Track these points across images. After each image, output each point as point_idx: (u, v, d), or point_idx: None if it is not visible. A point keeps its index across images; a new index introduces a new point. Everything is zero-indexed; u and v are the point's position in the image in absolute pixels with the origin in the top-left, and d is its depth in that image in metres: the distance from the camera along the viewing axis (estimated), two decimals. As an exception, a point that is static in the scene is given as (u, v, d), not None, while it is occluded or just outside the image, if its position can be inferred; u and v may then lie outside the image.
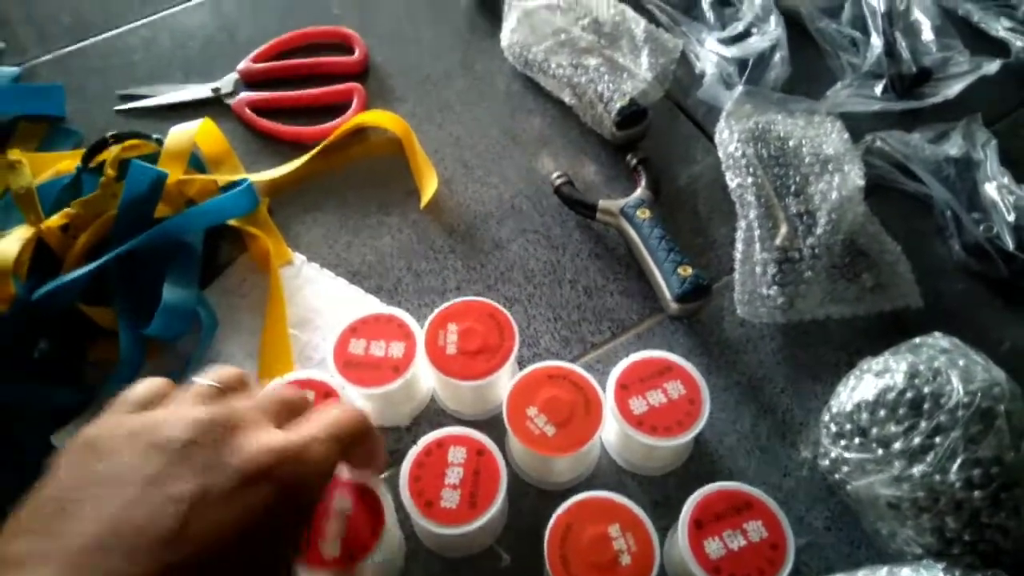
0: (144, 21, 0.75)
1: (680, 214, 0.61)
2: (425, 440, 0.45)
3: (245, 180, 0.59)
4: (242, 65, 0.69)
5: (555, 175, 0.60)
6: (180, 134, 0.59)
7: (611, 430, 0.49)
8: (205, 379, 0.35)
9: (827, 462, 0.47)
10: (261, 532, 0.30)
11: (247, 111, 0.66)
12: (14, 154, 0.56)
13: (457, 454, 0.44)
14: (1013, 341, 0.54)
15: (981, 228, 0.57)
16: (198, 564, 0.28)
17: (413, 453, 0.44)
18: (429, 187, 0.61)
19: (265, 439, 0.32)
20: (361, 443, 0.36)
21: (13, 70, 0.71)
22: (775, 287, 0.53)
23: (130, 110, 0.68)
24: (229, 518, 0.29)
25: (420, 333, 0.49)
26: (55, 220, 0.55)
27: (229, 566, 0.29)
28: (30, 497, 0.30)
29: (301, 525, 0.33)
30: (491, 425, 0.51)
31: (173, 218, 0.55)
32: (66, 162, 0.61)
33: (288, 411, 0.35)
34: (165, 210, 0.57)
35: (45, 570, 0.27)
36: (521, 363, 0.54)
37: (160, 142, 0.60)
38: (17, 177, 0.56)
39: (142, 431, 0.31)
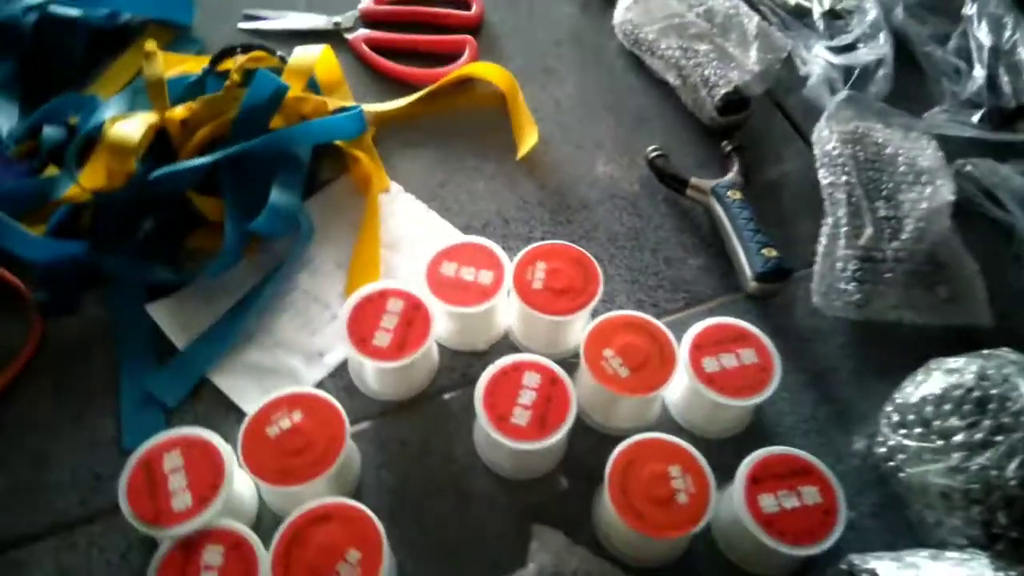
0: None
1: (765, 206, 0.62)
2: (503, 362, 0.47)
3: (357, 107, 0.61)
4: (364, 3, 0.72)
5: (651, 148, 0.62)
6: (304, 55, 0.62)
7: (678, 388, 0.51)
8: None
9: (884, 449, 0.48)
10: None
11: (363, 47, 0.69)
12: (150, 45, 0.60)
13: (532, 379, 0.46)
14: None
15: (1062, 262, 0.57)
16: None
17: (490, 372, 0.46)
18: (528, 140, 0.63)
19: None
20: None
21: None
22: (854, 283, 0.54)
23: (252, 30, 0.71)
24: None
25: (510, 266, 0.51)
26: (179, 112, 0.58)
27: None
28: None
29: None
30: (565, 365, 0.53)
31: (288, 128, 0.58)
32: (190, 63, 0.65)
33: None
34: (278, 122, 0.60)
35: None
36: (595, 316, 0.56)
37: (284, 60, 0.63)
38: (151, 65, 0.59)
39: None
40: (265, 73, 0.59)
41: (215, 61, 0.62)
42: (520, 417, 0.44)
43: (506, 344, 0.54)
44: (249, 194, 0.56)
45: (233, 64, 0.62)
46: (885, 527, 0.48)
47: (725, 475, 0.48)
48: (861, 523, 0.48)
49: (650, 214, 0.61)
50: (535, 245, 0.52)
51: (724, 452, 0.50)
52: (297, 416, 0.44)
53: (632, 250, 0.59)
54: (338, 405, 0.45)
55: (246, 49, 0.63)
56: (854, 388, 0.53)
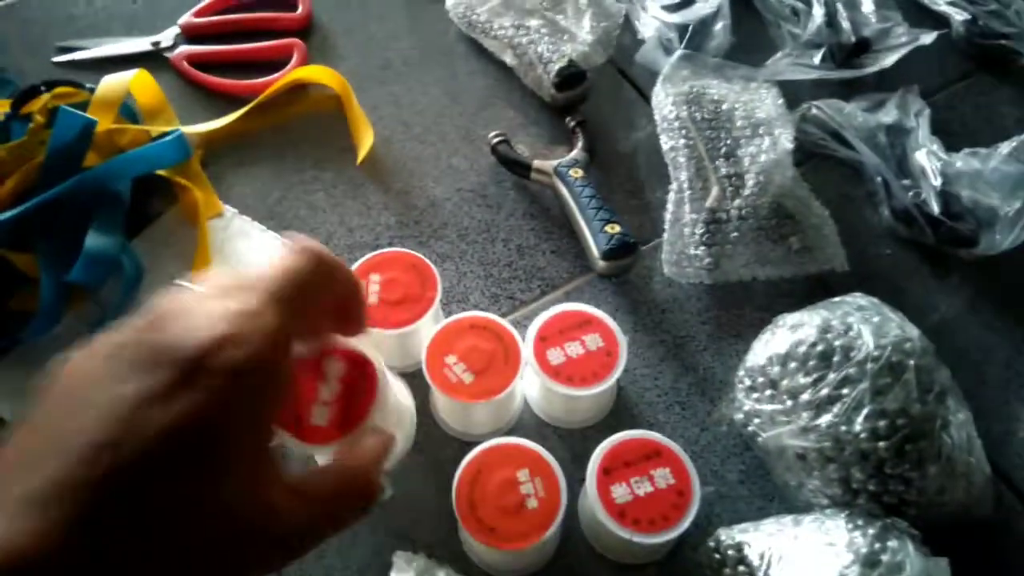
0: (87, -26, 0.74)
1: (617, 177, 0.61)
2: None
3: (176, 131, 0.58)
4: (183, 19, 0.68)
5: (493, 134, 0.60)
6: (112, 83, 0.58)
7: (532, 383, 0.49)
8: None
9: (741, 415, 0.47)
10: (213, 427, 0.26)
11: (185, 64, 0.65)
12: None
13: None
14: (935, 304, 0.55)
15: (910, 194, 0.57)
16: (145, 466, 0.25)
17: None
18: (365, 143, 0.61)
19: (197, 325, 0.27)
20: (319, 291, 0.30)
21: (-52, 19, 0.69)
22: (702, 247, 0.53)
23: (68, 62, 0.67)
24: (170, 418, 0.26)
25: (342, 283, 0.49)
26: (-21, 165, 0.54)
27: (184, 465, 0.26)
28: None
29: (263, 410, 0.28)
30: (417, 377, 0.51)
31: (100, 166, 0.55)
32: (-2, 110, 0.60)
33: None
34: (95, 159, 0.56)
35: None
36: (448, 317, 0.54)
37: (93, 91, 0.59)
38: (-59, 120, 0.54)
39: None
40: (67, 110, 0.55)
41: (17, 104, 0.58)
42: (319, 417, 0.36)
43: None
44: (66, 243, 0.53)
45: (38, 104, 0.58)
46: (755, 493, 0.48)
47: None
48: (731, 492, 0.48)
49: (499, 203, 0.59)
50: (367, 257, 0.50)
51: (588, 439, 0.49)
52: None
53: (484, 243, 0.57)
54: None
55: (50, 86, 0.59)
56: (713, 354, 0.53)
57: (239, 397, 0.27)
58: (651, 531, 0.40)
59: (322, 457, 0.39)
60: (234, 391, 0.27)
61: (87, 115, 0.55)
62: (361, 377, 0.34)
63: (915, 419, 0.42)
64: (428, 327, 0.49)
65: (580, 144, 0.60)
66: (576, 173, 0.57)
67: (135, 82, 0.61)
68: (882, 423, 0.42)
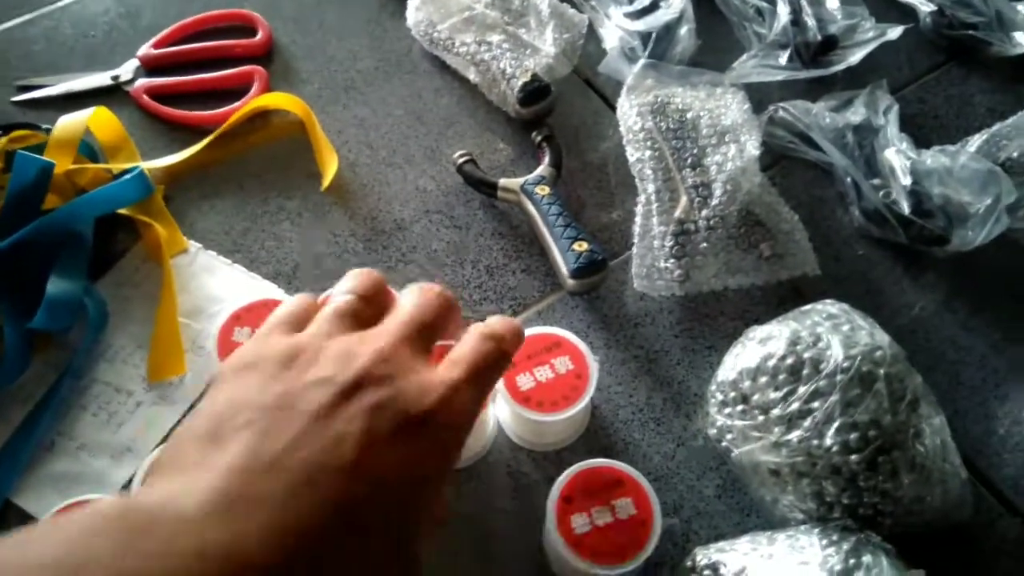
0: (46, 10, 0.73)
1: (587, 189, 0.61)
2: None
3: (137, 167, 0.57)
4: (142, 51, 0.68)
5: (458, 154, 0.60)
6: (68, 123, 0.58)
7: (503, 408, 0.49)
8: (344, 291, 0.35)
9: (714, 430, 0.47)
10: (415, 478, 0.30)
11: (145, 97, 0.65)
12: None
13: None
14: (910, 303, 0.55)
15: (880, 194, 0.57)
16: (361, 504, 0.28)
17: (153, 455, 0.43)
18: (330, 169, 0.60)
19: (419, 383, 0.31)
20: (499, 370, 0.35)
21: (-94, 62, 0.69)
22: (672, 260, 0.53)
23: (27, 101, 0.66)
24: (391, 462, 0.29)
25: (307, 317, 0.48)
26: (-62, 214, 0.53)
27: (385, 510, 0.29)
28: (181, 428, 0.30)
29: (448, 472, 0.32)
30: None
31: (59, 208, 0.54)
32: (-44, 155, 0.60)
33: (429, 335, 0.35)
34: (56, 201, 0.56)
35: (202, 485, 0.26)
36: (421, 344, 0.53)
37: (50, 132, 0.58)
38: None
39: (294, 361, 0.31)
40: (24, 154, 0.54)
41: (-27, 149, 0.57)
42: None
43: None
44: (29, 288, 0.52)
45: (-6, 149, 0.57)
46: (732, 507, 0.47)
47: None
48: (708, 507, 0.47)
49: (468, 223, 0.59)
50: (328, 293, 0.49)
51: (562, 460, 0.49)
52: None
53: (453, 265, 0.57)
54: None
55: (6, 130, 0.58)
56: (686, 367, 0.52)
57: (439, 456, 0.31)
58: (609, 563, 0.40)
59: None
60: (438, 450, 0.31)
61: (44, 157, 0.55)
62: None
63: (887, 430, 0.41)
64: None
65: (547, 160, 0.59)
66: (543, 190, 0.56)
67: (94, 119, 0.60)
68: (853, 436, 0.41)
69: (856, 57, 0.64)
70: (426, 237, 0.58)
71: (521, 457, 0.49)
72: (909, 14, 0.70)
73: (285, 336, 0.33)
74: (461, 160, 0.59)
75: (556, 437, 0.48)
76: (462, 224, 0.59)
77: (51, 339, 0.53)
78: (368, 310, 0.35)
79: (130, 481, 0.48)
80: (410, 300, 0.35)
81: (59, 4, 0.74)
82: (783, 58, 0.65)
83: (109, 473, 0.48)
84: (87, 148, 0.60)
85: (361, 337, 0.33)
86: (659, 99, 0.59)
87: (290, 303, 0.36)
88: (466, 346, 0.34)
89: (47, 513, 0.43)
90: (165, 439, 0.49)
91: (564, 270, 0.53)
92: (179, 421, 0.50)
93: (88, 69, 0.68)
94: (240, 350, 0.33)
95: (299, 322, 0.34)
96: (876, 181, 0.57)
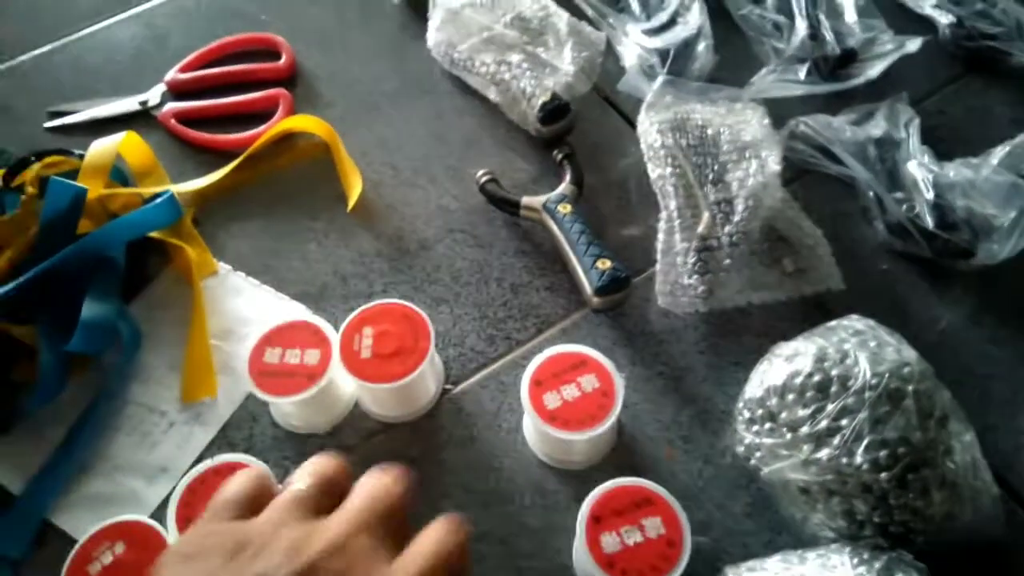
0: (74, 37, 0.75)
1: (608, 206, 0.61)
2: (207, 465, 0.45)
3: (167, 191, 0.58)
4: (169, 76, 0.69)
5: (480, 173, 0.60)
6: (100, 149, 0.59)
7: (528, 426, 0.49)
8: (302, 480, 0.33)
9: (742, 448, 0.47)
10: None
11: (172, 122, 0.66)
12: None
13: None
14: (936, 318, 0.55)
15: (903, 208, 0.57)
16: None
17: (191, 476, 0.44)
18: (354, 190, 0.61)
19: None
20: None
21: (-60, 91, 0.70)
22: (695, 276, 0.53)
23: (59, 127, 0.68)
24: None
25: (336, 339, 0.49)
26: (-25, 240, 0.55)
27: None
28: None
29: None
30: (417, 427, 0.51)
31: (93, 233, 0.55)
32: (-9, 181, 0.61)
33: (389, 521, 0.32)
34: (88, 225, 0.57)
35: None
36: (447, 363, 0.54)
37: (83, 157, 0.60)
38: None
39: (240, 553, 0.29)
40: (58, 180, 0.55)
41: (8, 176, 0.59)
42: None
43: (358, 414, 0.52)
44: (64, 312, 0.53)
45: (29, 175, 0.58)
46: (762, 526, 0.47)
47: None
48: (738, 526, 0.47)
49: (491, 242, 0.59)
50: (360, 310, 0.50)
51: (591, 479, 0.49)
52: (120, 548, 0.42)
53: (477, 284, 0.57)
54: (162, 531, 0.43)
55: (40, 156, 0.59)
56: (713, 384, 0.52)
57: None
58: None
59: None
60: None
61: (77, 183, 0.56)
62: None
63: (916, 447, 0.41)
64: (428, 377, 0.49)
65: (568, 177, 0.60)
66: (565, 208, 0.57)
67: (124, 144, 0.61)
68: (883, 453, 0.41)
69: (875, 70, 0.64)
70: (450, 256, 0.59)
71: (548, 476, 0.49)
72: (927, 26, 0.70)
73: (232, 523, 0.31)
74: (483, 179, 0.60)
75: (583, 456, 0.49)
76: (485, 243, 0.60)
77: (86, 361, 0.54)
78: (327, 499, 0.33)
79: (164, 501, 0.48)
80: (367, 485, 0.33)
81: (87, 31, 0.75)
82: (802, 72, 0.65)
83: (144, 494, 0.49)
84: (118, 173, 0.61)
85: (314, 527, 0.30)
86: (679, 116, 0.59)
87: (241, 481, 0.33)
88: (431, 537, 0.32)
89: (84, 534, 0.44)
90: (198, 460, 0.50)
91: (588, 288, 0.53)
92: (212, 441, 0.51)
93: (116, 94, 0.70)
94: (183, 538, 0.31)
95: (250, 505, 0.32)
96: (899, 195, 0.57)
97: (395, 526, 0.32)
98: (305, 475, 0.33)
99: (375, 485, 0.33)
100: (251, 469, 0.35)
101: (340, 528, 0.30)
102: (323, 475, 0.33)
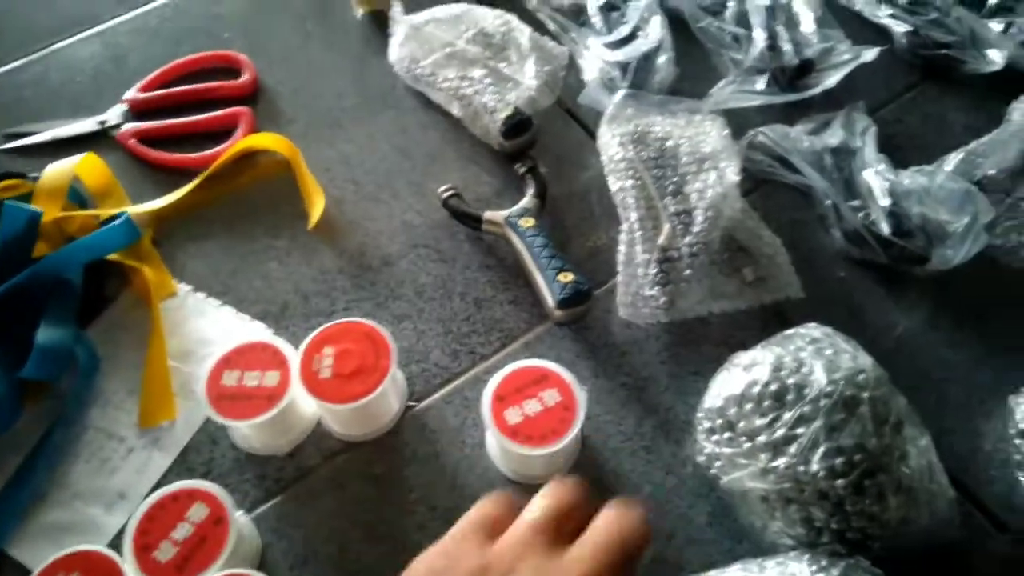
0: (34, 56, 0.74)
1: (571, 218, 0.61)
2: (175, 487, 0.44)
3: (123, 213, 0.58)
4: (129, 95, 0.68)
5: (443, 188, 0.60)
6: (55, 171, 0.58)
7: (492, 443, 0.49)
8: (540, 508, 0.35)
9: (703, 458, 0.47)
10: None
11: (132, 142, 0.65)
12: None
13: (197, 513, 0.43)
14: (893, 323, 0.55)
15: (859, 216, 0.57)
16: None
17: (148, 504, 0.44)
18: (317, 207, 0.61)
19: None
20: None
21: None
22: (656, 287, 0.53)
23: (16, 148, 0.67)
24: None
25: (296, 360, 0.49)
26: (-72, 266, 0.54)
27: None
28: None
29: None
30: (380, 445, 0.51)
31: (48, 256, 0.55)
32: (-55, 206, 0.60)
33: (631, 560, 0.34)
34: (45, 248, 0.56)
35: None
36: (411, 379, 0.54)
37: (37, 180, 0.59)
38: None
39: None
40: (12, 204, 0.55)
41: (-37, 200, 0.58)
42: (165, 552, 0.42)
43: (320, 434, 0.52)
44: (19, 337, 0.52)
45: (-17, 199, 0.58)
46: (723, 534, 0.47)
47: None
48: (700, 535, 0.48)
49: (454, 256, 0.59)
50: (320, 330, 0.50)
51: (556, 494, 0.49)
52: (74, 580, 0.41)
53: (441, 299, 0.57)
54: (119, 561, 0.42)
55: (-5, 180, 0.59)
56: (674, 394, 0.52)
57: None
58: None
59: None
60: None
61: (32, 207, 0.55)
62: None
63: (872, 453, 0.42)
64: (391, 394, 0.49)
65: (530, 191, 0.60)
66: (527, 222, 0.57)
67: (82, 165, 0.61)
68: (839, 460, 0.42)
69: (833, 80, 0.65)
70: (413, 272, 0.59)
71: (512, 491, 0.49)
72: (884, 35, 0.71)
73: (477, 547, 0.33)
74: (446, 194, 0.60)
75: (546, 470, 0.49)
76: (448, 257, 0.60)
77: (42, 387, 0.53)
78: (565, 528, 0.34)
79: (123, 529, 0.48)
80: (612, 522, 0.34)
81: (47, 50, 0.75)
82: (760, 83, 0.66)
83: (103, 522, 0.48)
84: (76, 194, 0.61)
85: (552, 565, 0.32)
86: (639, 128, 0.59)
87: (486, 504, 0.36)
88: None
89: (40, 564, 0.43)
90: (157, 486, 0.49)
91: (550, 301, 0.54)
92: (170, 467, 0.50)
93: (76, 115, 0.69)
94: (433, 552, 0.33)
95: (494, 527, 0.34)
96: (855, 203, 0.58)
97: (629, 570, 0.33)
98: (543, 502, 0.35)
99: (619, 524, 0.34)
100: (498, 494, 0.37)
101: (583, 567, 0.32)
102: (560, 503, 0.35)
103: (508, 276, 0.58)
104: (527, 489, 0.48)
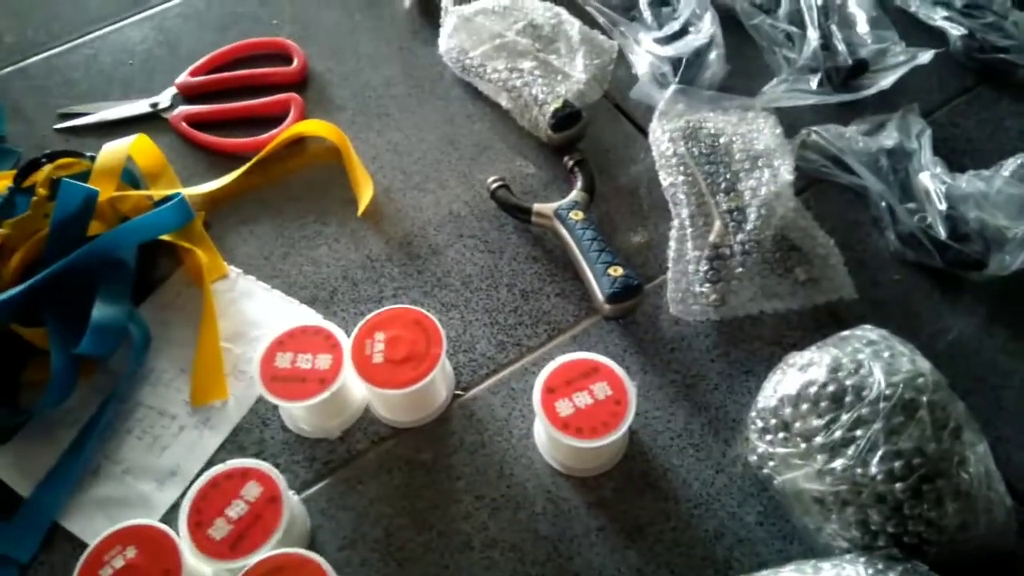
0: (86, 38, 0.75)
1: (620, 213, 0.61)
2: (228, 465, 0.45)
3: (178, 194, 0.58)
4: (180, 79, 0.69)
5: (491, 179, 0.60)
6: (111, 151, 0.59)
7: (540, 433, 0.49)
8: None
9: (755, 457, 0.47)
10: None
11: (184, 125, 0.66)
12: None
13: (251, 491, 0.44)
14: (948, 328, 0.54)
15: (915, 218, 0.57)
16: None
17: (203, 481, 0.44)
18: (365, 195, 0.61)
19: None
20: None
21: (-49, 91, 0.70)
22: (707, 284, 0.53)
23: (69, 128, 0.68)
24: None
25: (348, 344, 0.49)
26: (-14, 240, 0.55)
27: None
28: None
29: None
30: (427, 432, 0.51)
31: (103, 235, 0.55)
32: (2, 182, 0.61)
33: None
34: (99, 227, 0.57)
35: None
36: (457, 368, 0.54)
37: (94, 159, 0.60)
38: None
39: None
40: (69, 182, 0.55)
41: (19, 177, 0.59)
42: (219, 530, 0.42)
43: (369, 419, 0.52)
44: (74, 314, 0.53)
45: (40, 176, 0.58)
46: (774, 535, 0.47)
47: (606, 510, 0.48)
48: (750, 535, 0.47)
49: (502, 248, 0.59)
50: (371, 315, 0.50)
51: (602, 487, 0.49)
52: (131, 553, 0.42)
53: (488, 289, 0.57)
54: (174, 536, 0.42)
55: (51, 158, 0.59)
56: (724, 392, 0.52)
57: None
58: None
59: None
60: None
61: (89, 185, 0.56)
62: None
63: (931, 458, 0.41)
64: (439, 382, 0.49)
65: (579, 184, 0.60)
66: (576, 215, 0.57)
67: (135, 147, 0.61)
68: (898, 464, 0.41)
69: (887, 81, 0.64)
70: (460, 262, 0.59)
71: (559, 482, 0.49)
72: (939, 38, 0.70)
73: None
74: (495, 185, 0.60)
75: (595, 463, 0.49)
76: (496, 248, 0.59)
77: (96, 363, 0.54)
78: None
79: (175, 505, 0.48)
80: None
81: (98, 33, 0.75)
82: (813, 82, 0.65)
83: (155, 497, 0.49)
84: (128, 175, 0.61)
85: None
86: (691, 124, 0.59)
87: None
88: None
89: (94, 538, 0.44)
90: (208, 464, 0.50)
91: (599, 295, 0.53)
92: (222, 445, 0.51)
93: (126, 97, 0.70)
94: None
95: None
96: (911, 205, 0.57)
97: None
98: None
99: None
100: None
101: None
102: None
103: (555, 268, 0.58)
104: (575, 481, 0.49)
